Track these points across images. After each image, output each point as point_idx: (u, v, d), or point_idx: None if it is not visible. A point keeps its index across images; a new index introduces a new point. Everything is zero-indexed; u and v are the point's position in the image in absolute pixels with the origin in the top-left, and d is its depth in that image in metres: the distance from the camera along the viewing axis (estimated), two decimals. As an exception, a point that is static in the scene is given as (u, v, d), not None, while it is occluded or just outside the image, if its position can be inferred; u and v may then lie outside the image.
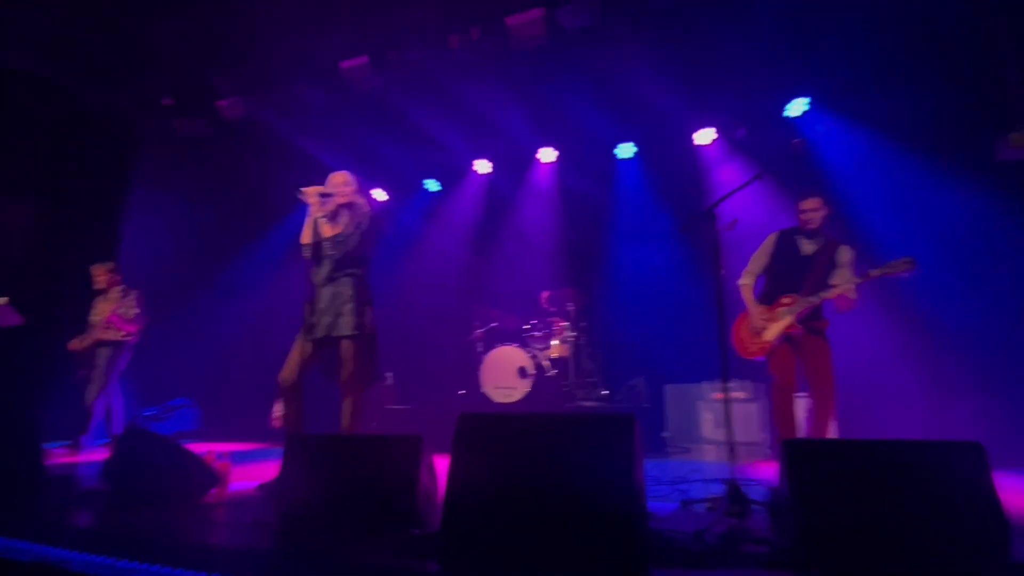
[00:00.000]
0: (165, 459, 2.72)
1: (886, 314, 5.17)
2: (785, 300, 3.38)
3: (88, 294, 5.46)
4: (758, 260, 3.61)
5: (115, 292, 5.30)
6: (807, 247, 3.44)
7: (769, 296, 3.51)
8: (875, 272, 3.12)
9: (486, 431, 1.86)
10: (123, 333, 5.18)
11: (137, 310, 5.23)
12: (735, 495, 2.34)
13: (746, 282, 3.62)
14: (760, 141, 6.09)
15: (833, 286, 3.24)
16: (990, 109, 2.78)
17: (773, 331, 3.36)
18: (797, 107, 5.81)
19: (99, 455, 5.03)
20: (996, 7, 2.39)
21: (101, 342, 5.17)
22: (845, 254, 3.38)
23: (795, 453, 1.97)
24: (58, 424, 5.21)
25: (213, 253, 7.95)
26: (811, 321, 3.33)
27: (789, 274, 3.45)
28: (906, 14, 4.53)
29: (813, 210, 3.39)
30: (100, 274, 5.36)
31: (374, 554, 1.78)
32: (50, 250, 5.83)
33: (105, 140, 6.31)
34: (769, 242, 3.61)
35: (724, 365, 2.67)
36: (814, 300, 3.27)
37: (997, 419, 4.36)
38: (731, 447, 2.53)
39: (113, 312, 5.18)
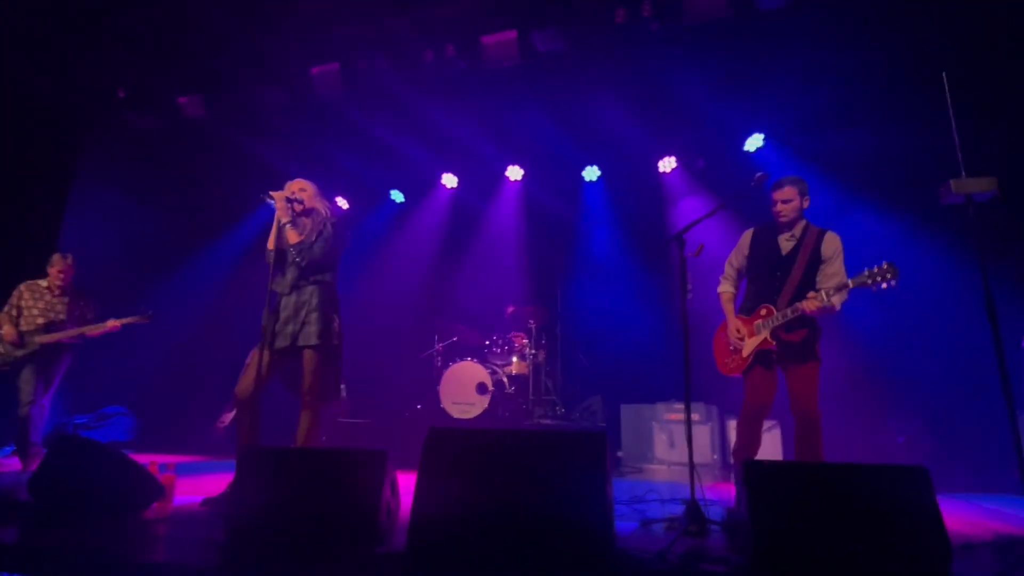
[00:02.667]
0: (104, 469, 2.55)
1: (828, 339, 5.44)
2: (762, 311, 3.02)
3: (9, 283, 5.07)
4: (734, 262, 3.26)
5: (70, 291, 4.92)
6: (786, 243, 3.06)
7: (750, 304, 3.13)
8: (852, 282, 2.79)
9: (456, 446, 1.83)
10: (79, 337, 4.84)
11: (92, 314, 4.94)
12: (695, 515, 2.38)
13: (726, 289, 3.25)
14: (719, 172, 6.37)
15: (810, 296, 2.87)
16: (935, 155, 3.00)
17: (749, 347, 3.00)
18: (754, 142, 6.12)
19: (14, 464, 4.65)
20: (939, 63, 2.61)
21: (59, 344, 4.77)
22: (831, 244, 2.98)
23: (754, 474, 2.03)
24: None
25: (156, 256, 7.58)
26: (790, 333, 2.93)
27: (768, 278, 3.06)
28: (854, 64, 4.90)
29: (785, 200, 3.03)
30: (62, 267, 4.87)
31: (335, 574, 1.72)
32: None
33: (51, 129, 5.96)
34: (744, 240, 3.23)
35: (687, 387, 2.72)
36: (788, 314, 2.89)
37: (929, 444, 4.65)
38: (693, 467, 2.57)
39: (86, 317, 4.89)
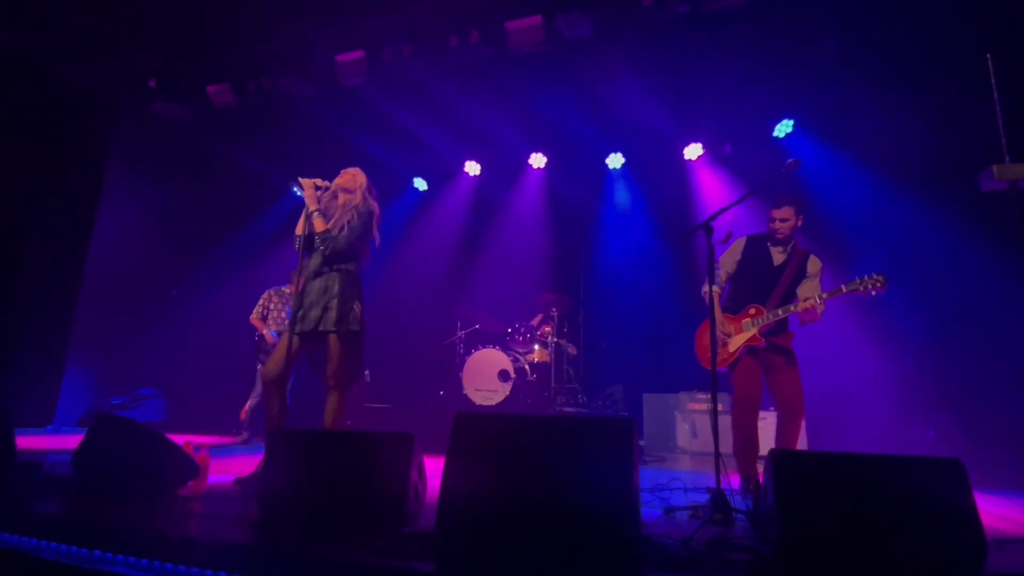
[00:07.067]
0: (141, 447, 2.63)
1: (858, 330, 5.34)
2: (751, 311, 3.25)
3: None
4: (725, 266, 3.46)
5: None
6: (778, 256, 3.32)
7: (735, 305, 3.35)
8: (845, 288, 3.02)
9: (483, 431, 1.85)
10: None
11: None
12: (720, 503, 2.37)
13: (712, 289, 3.47)
14: (747, 159, 6.25)
15: (799, 298, 3.16)
16: (977, 140, 2.90)
17: (736, 342, 3.23)
18: (784, 128, 5.99)
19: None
20: (982, 42, 2.51)
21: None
22: (814, 265, 3.27)
23: (780, 464, 2.01)
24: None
25: (187, 242, 7.75)
26: (775, 335, 3.19)
27: (757, 283, 3.32)
28: (893, 43, 4.73)
29: (783, 219, 3.26)
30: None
31: (365, 552, 1.76)
32: (19, 233, 5.60)
33: (85, 119, 6.10)
34: (737, 247, 3.44)
35: (714, 376, 2.70)
36: (779, 313, 3.14)
37: (960, 439, 4.54)
38: (719, 456, 2.56)
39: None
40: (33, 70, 5.55)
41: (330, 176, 3.37)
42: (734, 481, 3.05)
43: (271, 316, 5.62)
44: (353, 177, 3.34)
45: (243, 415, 5.84)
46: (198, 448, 3.02)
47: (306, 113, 6.21)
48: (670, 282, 6.40)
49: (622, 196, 6.93)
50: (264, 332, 5.57)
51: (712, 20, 4.69)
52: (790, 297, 3.24)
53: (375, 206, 3.39)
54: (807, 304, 3.06)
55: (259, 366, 5.66)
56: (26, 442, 4.61)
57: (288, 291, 5.74)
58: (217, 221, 7.84)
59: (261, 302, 5.69)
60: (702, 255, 3.19)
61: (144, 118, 6.34)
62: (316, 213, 3.20)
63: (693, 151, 6.51)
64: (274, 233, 7.66)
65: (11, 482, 2.56)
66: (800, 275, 3.27)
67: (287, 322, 5.51)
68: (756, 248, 3.39)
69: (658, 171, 6.76)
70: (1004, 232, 2.75)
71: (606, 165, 6.95)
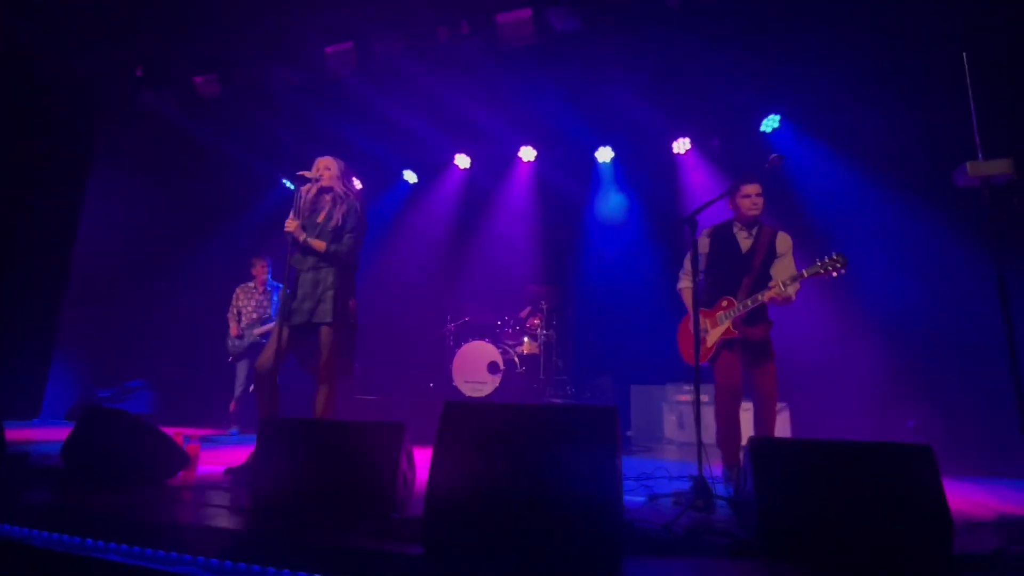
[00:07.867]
0: (132, 438, 2.65)
1: (844, 321, 5.45)
2: (723, 303, 3.25)
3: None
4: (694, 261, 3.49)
5: (262, 288, 5.74)
6: (745, 241, 3.28)
7: (709, 298, 3.34)
8: (806, 272, 2.99)
9: (471, 419, 1.89)
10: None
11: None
12: (701, 490, 2.44)
13: (685, 285, 3.45)
14: (734, 153, 6.31)
15: (771, 285, 3.11)
16: (951, 137, 2.97)
17: (713, 336, 3.24)
18: (770, 123, 6.06)
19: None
20: (959, 42, 2.57)
21: (268, 334, 5.57)
22: (784, 242, 3.23)
23: (759, 451, 2.07)
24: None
25: (175, 234, 7.69)
26: (749, 326, 3.18)
27: (728, 273, 3.28)
28: (872, 43, 4.81)
29: (758, 195, 3.22)
30: (257, 267, 5.76)
31: (355, 538, 1.80)
32: (5, 225, 5.53)
33: (69, 111, 6.03)
34: (704, 241, 3.41)
35: (697, 368, 2.76)
36: (749, 304, 3.12)
37: (939, 429, 4.66)
38: (701, 445, 2.62)
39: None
40: (17, 59, 5.47)
41: (309, 166, 3.35)
42: (717, 470, 3.12)
43: (244, 313, 5.74)
44: (329, 172, 3.29)
45: (232, 408, 5.85)
46: (188, 439, 3.05)
47: (295, 104, 6.17)
48: (658, 275, 6.45)
49: (609, 205, 6.98)
50: (232, 326, 5.71)
51: (701, 15, 4.73)
52: (764, 280, 3.19)
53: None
54: (771, 293, 3.04)
55: (229, 359, 5.79)
56: (13, 434, 4.59)
57: (252, 285, 5.83)
58: (204, 213, 7.78)
59: (232, 301, 5.83)
60: (690, 248, 3.22)
61: (130, 109, 6.28)
62: (307, 240, 3.18)
63: (681, 145, 6.56)
64: (262, 225, 7.62)
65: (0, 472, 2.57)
66: (771, 256, 3.23)
67: (254, 316, 5.69)
68: (722, 236, 3.36)
69: (647, 165, 6.81)
70: (981, 227, 2.83)
71: (595, 159, 6.98)
